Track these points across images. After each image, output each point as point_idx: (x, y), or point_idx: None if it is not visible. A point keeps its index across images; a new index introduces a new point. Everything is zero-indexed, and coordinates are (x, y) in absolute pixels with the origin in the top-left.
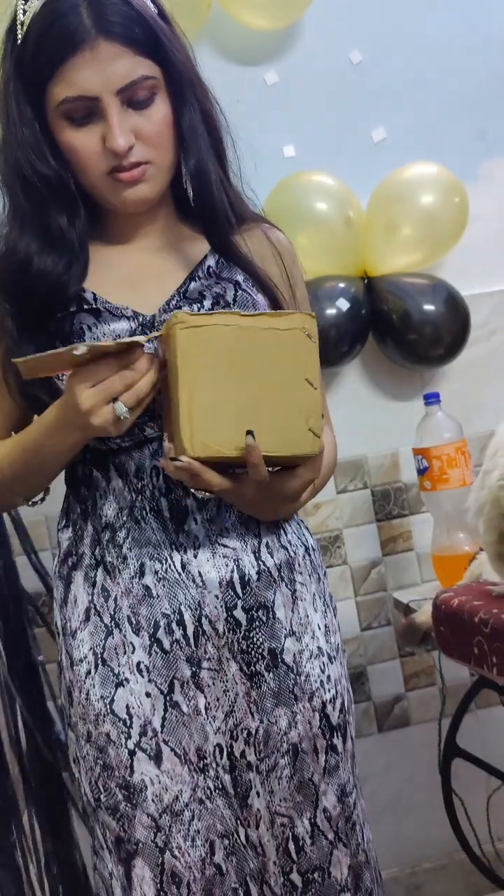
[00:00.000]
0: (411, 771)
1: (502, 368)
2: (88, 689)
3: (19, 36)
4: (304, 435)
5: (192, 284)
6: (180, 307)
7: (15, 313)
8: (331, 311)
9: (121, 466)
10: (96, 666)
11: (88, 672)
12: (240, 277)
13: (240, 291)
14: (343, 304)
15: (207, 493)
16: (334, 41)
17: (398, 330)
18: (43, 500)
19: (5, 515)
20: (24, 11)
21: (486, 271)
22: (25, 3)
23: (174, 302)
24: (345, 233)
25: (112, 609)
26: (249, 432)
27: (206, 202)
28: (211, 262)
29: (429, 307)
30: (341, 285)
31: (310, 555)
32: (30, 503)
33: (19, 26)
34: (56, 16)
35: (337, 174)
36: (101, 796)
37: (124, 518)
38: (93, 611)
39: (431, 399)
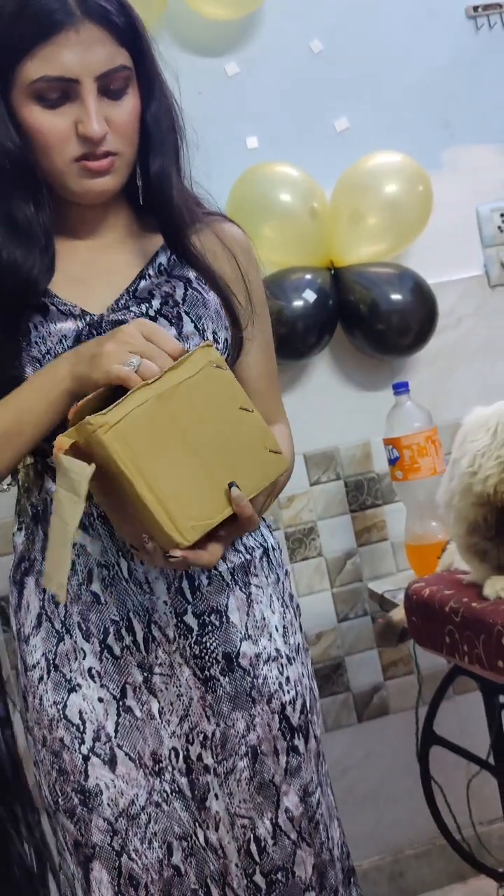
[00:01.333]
0: (392, 759)
1: (470, 356)
2: (42, 694)
3: None
4: (268, 457)
5: (142, 283)
6: (129, 307)
7: None
8: (298, 303)
9: None
10: (48, 671)
11: (41, 677)
12: (191, 275)
13: (190, 290)
14: (310, 296)
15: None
16: (294, 31)
17: (366, 320)
18: (9, 487)
19: None
20: None
21: (453, 259)
22: None
23: (123, 301)
24: (310, 224)
25: (62, 615)
26: (232, 484)
27: (165, 200)
28: (162, 259)
29: (396, 296)
30: (308, 276)
31: (268, 555)
32: (5, 486)
33: None
34: None
35: (301, 165)
36: (59, 800)
37: None
38: (44, 616)
39: (400, 389)
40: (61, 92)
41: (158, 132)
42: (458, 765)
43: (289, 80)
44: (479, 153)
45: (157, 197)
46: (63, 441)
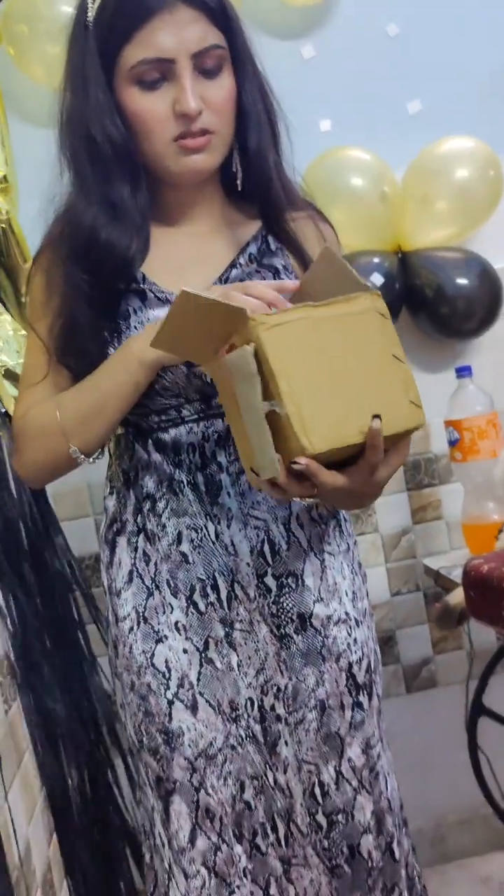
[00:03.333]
0: (438, 730)
1: None
2: (132, 643)
3: (90, 7)
4: (409, 408)
5: (234, 272)
6: None
7: (89, 285)
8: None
9: (159, 442)
10: (138, 623)
11: (131, 628)
12: (280, 265)
13: (278, 279)
14: (377, 279)
15: (311, 500)
16: (371, 14)
17: (431, 303)
18: (100, 456)
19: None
20: None
21: None
22: None
23: None
24: (380, 207)
25: (152, 573)
26: (377, 416)
27: (262, 181)
28: (253, 248)
29: (462, 281)
30: (375, 260)
31: (340, 526)
32: (90, 459)
33: (90, 1)
34: None
35: (373, 148)
36: (144, 739)
37: (164, 490)
38: (135, 573)
39: (463, 372)
40: (160, 73)
41: (255, 112)
42: (502, 739)
43: (363, 63)
44: None
45: (256, 176)
46: (223, 350)
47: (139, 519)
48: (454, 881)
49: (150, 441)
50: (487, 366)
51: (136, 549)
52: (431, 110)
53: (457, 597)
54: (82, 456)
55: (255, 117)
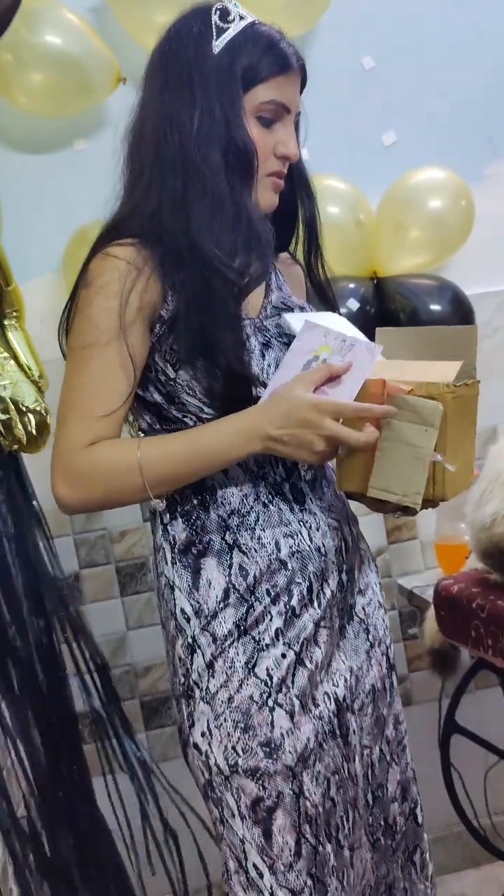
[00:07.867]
0: (413, 748)
1: None
2: (233, 657)
3: (214, 38)
4: (471, 473)
5: (274, 295)
6: (277, 314)
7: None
8: (342, 311)
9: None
10: (239, 637)
11: (233, 643)
12: (288, 292)
13: (304, 311)
14: (353, 304)
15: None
16: (347, 48)
17: None
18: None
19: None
20: (226, 20)
21: (491, 270)
22: (225, 17)
23: (269, 309)
24: (355, 234)
25: (251, 585)
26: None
27: (314, 240)
28: (272, 277)
29: (435, 307)
30: (352, 286)
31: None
32: (158, 505)
33: (215, 28)
34: (273, 38)
35: (348, 177)
36: (239, 760)
37: (250, 503)
38: (231, 589)
39: None
40: (274, 116)
41: (309, 177)
42: (476, 756)
43: (340, 95)
44: None
45: (309, 240)
46: (402, 386)
47: (227, 536)
48: None
49: None
50: None
51: (230, 566)
52: (405, 141)
53: (431, 636)
54: (160, 503)
55: (311, 184)
